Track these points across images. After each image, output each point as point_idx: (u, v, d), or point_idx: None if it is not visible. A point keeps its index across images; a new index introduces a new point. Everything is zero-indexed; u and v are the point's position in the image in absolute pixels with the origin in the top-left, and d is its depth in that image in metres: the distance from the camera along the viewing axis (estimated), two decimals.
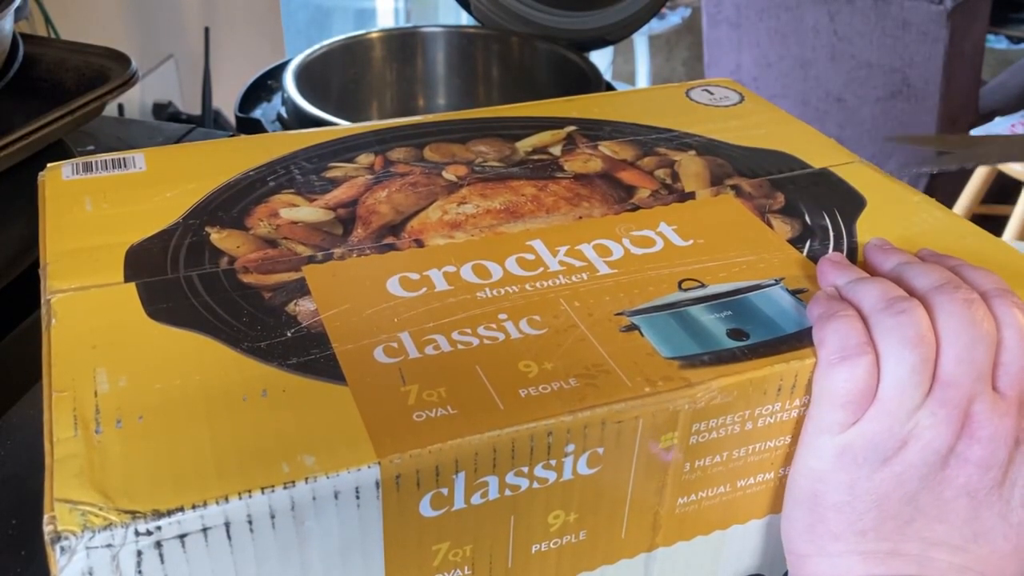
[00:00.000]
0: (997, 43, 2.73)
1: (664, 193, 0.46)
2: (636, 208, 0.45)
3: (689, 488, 0.37)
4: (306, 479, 0.30)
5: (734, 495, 0.38)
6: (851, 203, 0.46)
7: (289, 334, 0.36)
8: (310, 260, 0.40)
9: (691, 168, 0.49)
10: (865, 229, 0.44)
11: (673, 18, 2.70)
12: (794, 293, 0.39)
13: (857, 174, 0.49)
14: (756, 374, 0.35)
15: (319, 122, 0.79)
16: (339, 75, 0.99)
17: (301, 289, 0.38)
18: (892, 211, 0.45)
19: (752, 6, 1.92)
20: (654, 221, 0.44)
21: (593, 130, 0.52)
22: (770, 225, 0.44)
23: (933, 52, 1.74)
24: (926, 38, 1.74)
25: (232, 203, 0.44)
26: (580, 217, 0.44)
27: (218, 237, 0.41)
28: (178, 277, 0.39)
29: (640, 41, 2.60)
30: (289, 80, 0.86)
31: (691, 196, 0.46)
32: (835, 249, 0.42)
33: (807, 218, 0.45)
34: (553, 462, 0.33)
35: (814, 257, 0.41)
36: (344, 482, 0.30)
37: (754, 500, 0.39)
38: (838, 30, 1.83)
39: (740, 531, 0.39)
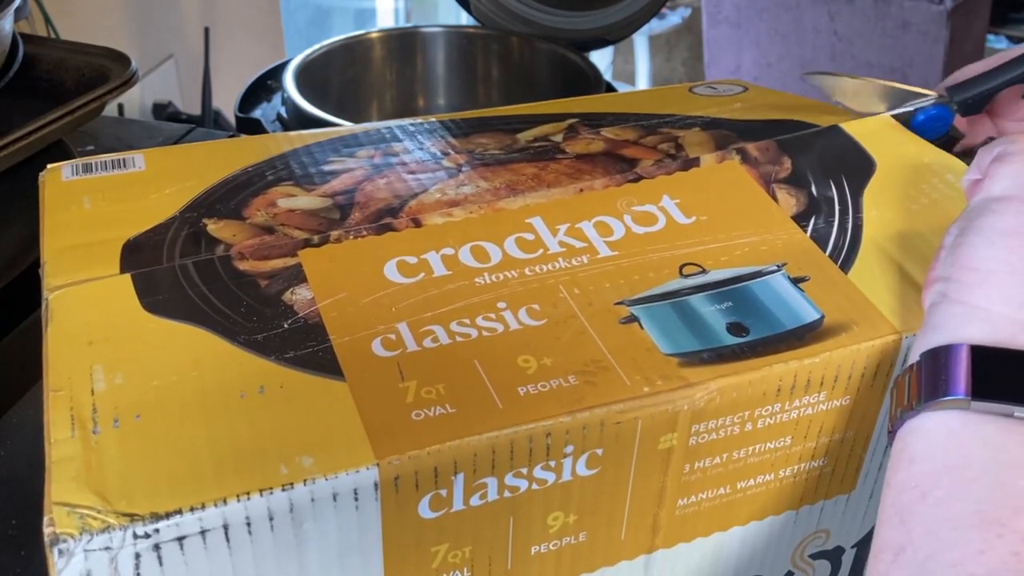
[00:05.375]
0: (997, 43, 2.73)
1: (668, 161, 0.45)
2: (639, 179, 0.44)
3: (689, 489, 0.36)
4: (304, 481, 0.30)
5: (734, 496, 0.38)
6: (860, 168, 0.45)
7: (286, 325, 0.35)
8: (307, 243, 0.40)
9: (695, 139, 0.48)
10: (872, 202, 0.43)
11: (673, 18, 2.69)
12: (795, 281, 0.39)
13: (868, 129, 0.47)
14: (756, 374, 0.35)
15: (319, 122, 0.79)
16: (339, 75, 0.99)
17: (298, 276, 0.38)
18: (901, 178, 0.44)
19: (752, 6, 1.92)
20: (657, 194, 0.43)
21: (595, 120, 0.52)
22: (775, 198, 0.43)
23: (933, 52, 1.74)
24: (926, 38, 1.74)
25: (230, 196, 0.44)
26: (581, 190, 0.43)
27: (215, 227, 0.41)
28: (173, 266, 0.38)
29: (640, 41, 2.59)
30: (289, 80, 0.86)
31: (695, 163, 0.45)
32: (839, 230, 0.42)
33: (813, 188, 0.44)
34: (552, 463, 0.33)
35: (818, 238, 0.41)
36: (342, 484, 0.30)
37: (754, 501, 0.39)
38: (838, 30, 1.83)
39: (740, 532, 0.39)
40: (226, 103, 1.18)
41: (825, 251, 0.40)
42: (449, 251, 0.39)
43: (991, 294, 0.32)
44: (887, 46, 1.78)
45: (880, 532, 0.31)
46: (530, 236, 0.40)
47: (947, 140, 0.50)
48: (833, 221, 0.42)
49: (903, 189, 0.44)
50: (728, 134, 0.48)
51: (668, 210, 0.42)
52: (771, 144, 0.46)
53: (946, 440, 0.30)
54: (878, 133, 0.47)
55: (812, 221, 0.42)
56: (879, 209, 0.43)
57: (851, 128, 0.48)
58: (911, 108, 0.49)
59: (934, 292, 0.34)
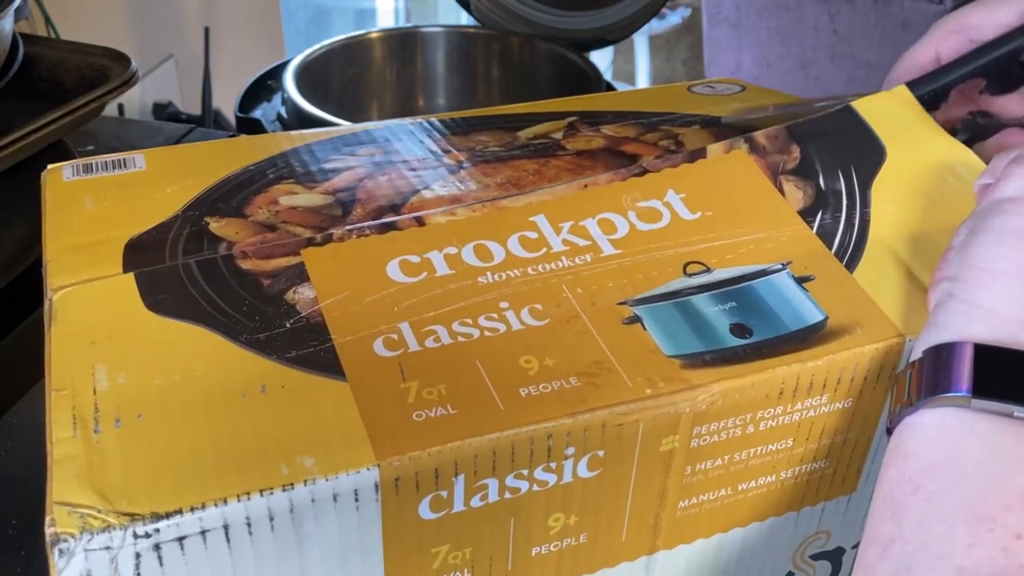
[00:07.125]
0: None
1: (672, 153, 0.45)
2: (644, 172, 0.44)
3: (690, 491, 0.36)
4: (305, 481, 0.30)
5: (735, 498, 0.38)
6: (870, 156, 0.44)
7: (288, 325, 0.35)
8: (309, 242, 0.39)
9: (695, 137, 0.48)
10: (880, 196, 0.43)
11: (673, 18, 2.69)
12: (800, 281, 0.39)
13: (882, 109, 0.46)
14: (758, 377, 0.35)
15: (319, 122, 0.79)
16: (339, 75, 0.99)
17: (300, 275, 0.38)
18: (911, 170, 0.44)
19: (752, 6, 1.92)
20: (662, 188, 0.43)
21: (594, 118, 0.52)
22: (782, 190, 0.43)
23: None
24: None
25: (232, 195, 0.44)
26: (586, 186, 0.43)
27: (217, 226, 0.41)
28: (176, 265, 0.38)
29: (640, 41, 2.59)
30: (289, 80, 0.86)
31: (702, 154, 0.44)
32: (846, 225, 0.41)
33: (821, 180, 0.43)
34: (553, 465, 0.33)
35: (824, 234, 0.41)
36: (343, 484, 0.30)
37: (755, 503, 0.38)
38: (838, 30, 1.83)
39: (741, 534, 0.39)
40: (226, 103, 1.18)
41: (831, 248, 0.40)
42: (452, 250, 0.39)
43: (998, 294, 0.32)
44: (887, 46, 1.78)
45: (871, 525, 0.31)
46: (533, 235, 0.40)
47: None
48: (840, 216, 0.42)
49: (913, 182, 0.43)
50: (729, 131, 0.48)
51: (673, 205, 0.42)
52: (781, 131, 0.46)
53: (942, 436, 0.30)
54: (892, 114, 0.46)
55: (819, 216, 0.42)
56: (887, 204, 0.42)
57: (864, 108, 0.46)
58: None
59: (940, 291, 0.34)
